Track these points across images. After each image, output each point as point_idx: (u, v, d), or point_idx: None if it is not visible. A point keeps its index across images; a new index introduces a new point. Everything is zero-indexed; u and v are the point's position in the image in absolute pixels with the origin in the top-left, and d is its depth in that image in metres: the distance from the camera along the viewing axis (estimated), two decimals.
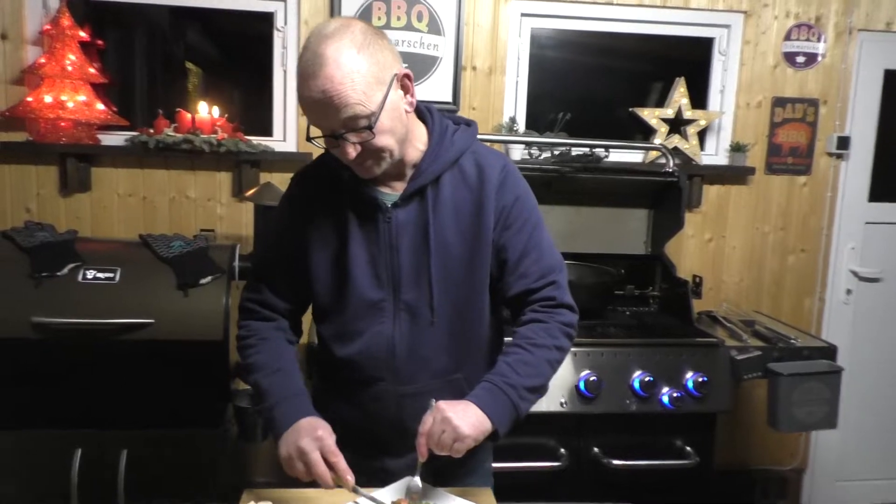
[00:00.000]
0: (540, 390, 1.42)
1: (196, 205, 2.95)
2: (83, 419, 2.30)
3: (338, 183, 1.43)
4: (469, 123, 1.49)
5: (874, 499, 3.54)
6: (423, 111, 1.45)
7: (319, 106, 1.25)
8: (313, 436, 1.29)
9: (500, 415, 1.33)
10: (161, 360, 2.29)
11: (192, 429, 2.36)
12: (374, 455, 1.51)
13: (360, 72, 1.24)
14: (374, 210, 1.41)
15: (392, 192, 1.43)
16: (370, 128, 1.26)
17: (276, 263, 1.51)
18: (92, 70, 2.80)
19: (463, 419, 1.28)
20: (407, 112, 1.35)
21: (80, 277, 2.29)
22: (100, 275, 2.30)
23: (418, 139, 1.42)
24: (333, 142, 1.30)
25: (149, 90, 3.18)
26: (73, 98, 2.75)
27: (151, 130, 2.82)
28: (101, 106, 2.81)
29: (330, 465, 1.28)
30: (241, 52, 3.22)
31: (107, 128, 2.89)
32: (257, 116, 3.05)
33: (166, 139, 2.76)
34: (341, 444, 1.32)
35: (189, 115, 2.82)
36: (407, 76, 1.34)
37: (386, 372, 1.45)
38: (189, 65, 3.20)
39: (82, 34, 2.79)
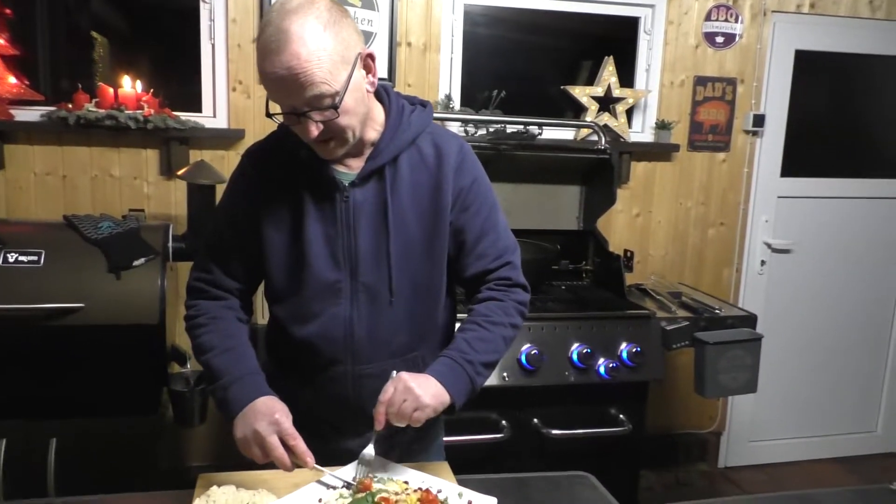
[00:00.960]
0: (495, 366, 1.46)
1: (121, 184, 2.82)
2: (9, 408, 2.21)
3: (293, 160, 1.41)
4: (424, 104, 1.49)
5: (783, 457, 3.78)
6: (380, 90, 1.44)
7: (283, 83, 1.22)
8: (270, 419, 1.27)
9: (458, 388, 1.36)
10: (92, 346, 2.21)
11: (126, 415, 2.30)
12: (332, 436, 1.50)
13: (326, 49, 1.21)
14: (332, 189, 1.39)
15: (349, 171, 1.41)
16: (335, 107, 1.25)
17: (228, 242, 1.47)
18: (1, 41, 2.63)
19: (424, 389, 1.30)
20: (368, 92, 1.34)
21: (0, 261, 2.17)
22: (22, 258, 2.20)
23: (376, 119, 1.41)
24: (295, 119, 1.27)
25: (51, 61, 3.00)
26: None
27: (70, 105, 2.67)
28: (13, 79, 2.65)
29: (289, 448, 1.26)
30: (153, 23, 3.07)
31: (19, 102, 2.72)
32: (176, 90, 2.93)
33: (88, 115, 2.62)
34: (298, 426, 1.30)
35: (111, 90, 2.69)
36: (370, 56, 1.32)
37: (344, 353, 1.44)
38: (95, 35, 3.04)
39: None
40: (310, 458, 1.27)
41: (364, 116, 1.34)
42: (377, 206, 1.40)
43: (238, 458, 1.32)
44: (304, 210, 1.40)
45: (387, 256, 1.41)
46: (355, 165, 1.42)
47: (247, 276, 1.49)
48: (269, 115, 1.31)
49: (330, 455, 1.43)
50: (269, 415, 1.28)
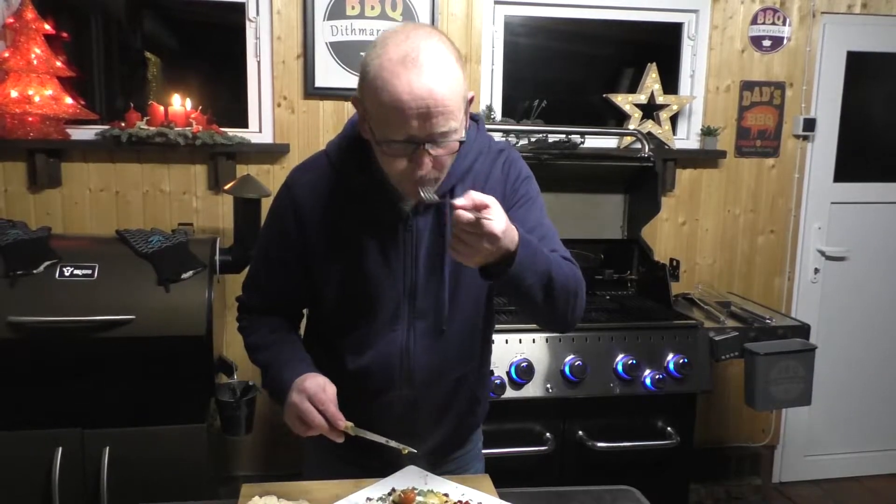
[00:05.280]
0: (550, 281, 1.26)
1: (171, 199, 2.90)
2: (63, 418, 2.28)
3: (347, 188, 1.36)
4: (476, 119, 1.41)
5: (841, 472, 3.65)
6: None
7: (418, 108, 1.12)
8: (298, 389, 1.29)
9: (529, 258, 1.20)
10: (142, 357, 2.27)
11: (175, 424, 2.35)
12: (381, 459, 1.46)
13: (459, 81, 1.16)
14: (394, 218, 1.35)
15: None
16: (461, 141, 1.19)
17: (277, 265, 1.45)
18: (58, 64, 2.73)
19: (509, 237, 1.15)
20: None
21: (56, 275, 2.26)
22: (77, 272, 2.27)
23: None
24: (409, 149, 1.17)
25: (106, 81, 3.11)
26: (39, 92, 2.67)
27: (123, 124, 2.76)
28: (69, 100, 2.74)
29: (323, 415, 1.27)
30: (202, 42, 3.16)
31: (75, 121, 2.82)
32: (223, 106, 3.00)
33: (139, 133, 2.71)
34: (348, 447, 1.33)
35: (161, 108, 2.77)
36: (471, 99, 1.27)
37: (398, 379, 1.42)
38: (148, 54, 3.14)
39: (47, 27, 2.72)
40: (341, 421, 1.28)
41: None
42: (435, 233, 1.37)
43: (284, 467, 1.33)
44: (364, 238, 1.36)
45: (441, 282, 1.38)
46: None
47: (293, 298, 1.50)
48: (378, 143, 1.20)
49: (373, 473, 1.42)
50: (298, 385, 1.30)
